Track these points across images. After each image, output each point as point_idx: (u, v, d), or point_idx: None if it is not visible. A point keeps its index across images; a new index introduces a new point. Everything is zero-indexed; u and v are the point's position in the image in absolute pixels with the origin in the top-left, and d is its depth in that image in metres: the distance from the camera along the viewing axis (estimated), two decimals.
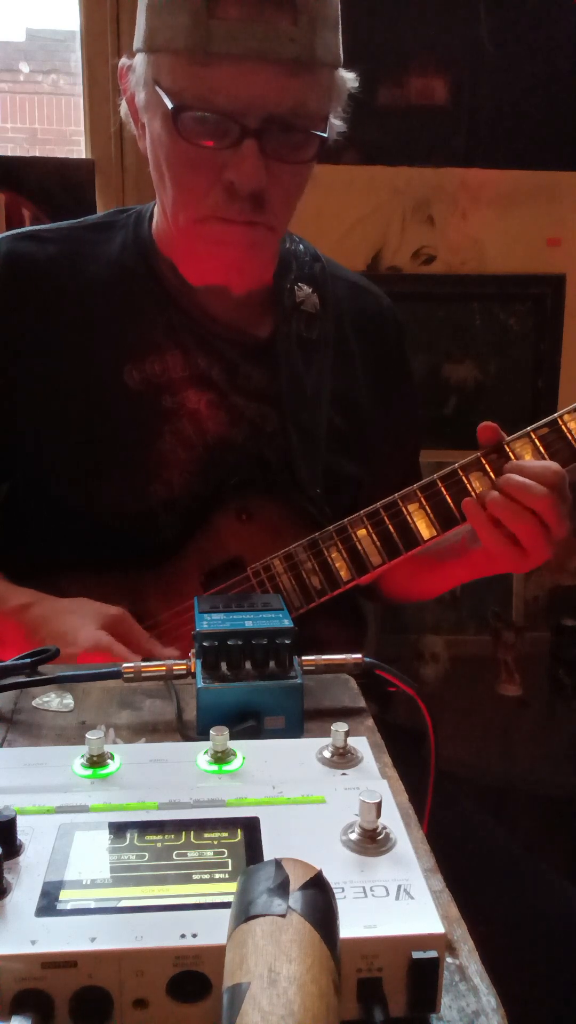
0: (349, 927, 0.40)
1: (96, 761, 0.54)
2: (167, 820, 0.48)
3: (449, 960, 0.45)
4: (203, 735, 0.60)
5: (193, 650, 0.68)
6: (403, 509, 0.95)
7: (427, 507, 0.94)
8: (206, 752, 0.55)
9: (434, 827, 0.60)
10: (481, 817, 1.03)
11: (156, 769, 0.54)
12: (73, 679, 0.70)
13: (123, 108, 0.99)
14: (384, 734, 0.66)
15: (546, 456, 0.93)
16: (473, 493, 0.94)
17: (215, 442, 1.01)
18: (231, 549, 1.00)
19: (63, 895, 0.43)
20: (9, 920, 0.41)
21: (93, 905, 0.42)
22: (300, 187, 0.96)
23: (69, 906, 0.42)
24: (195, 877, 0.44)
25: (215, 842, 0.47)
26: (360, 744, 0.57)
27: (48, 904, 0.42)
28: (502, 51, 1.90)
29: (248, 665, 0.66)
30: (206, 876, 0.44)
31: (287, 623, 0.68)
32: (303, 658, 0.69)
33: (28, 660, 0.71)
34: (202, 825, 0.48)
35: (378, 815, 0.46)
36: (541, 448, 0.94)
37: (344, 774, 0.54)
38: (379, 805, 0.46)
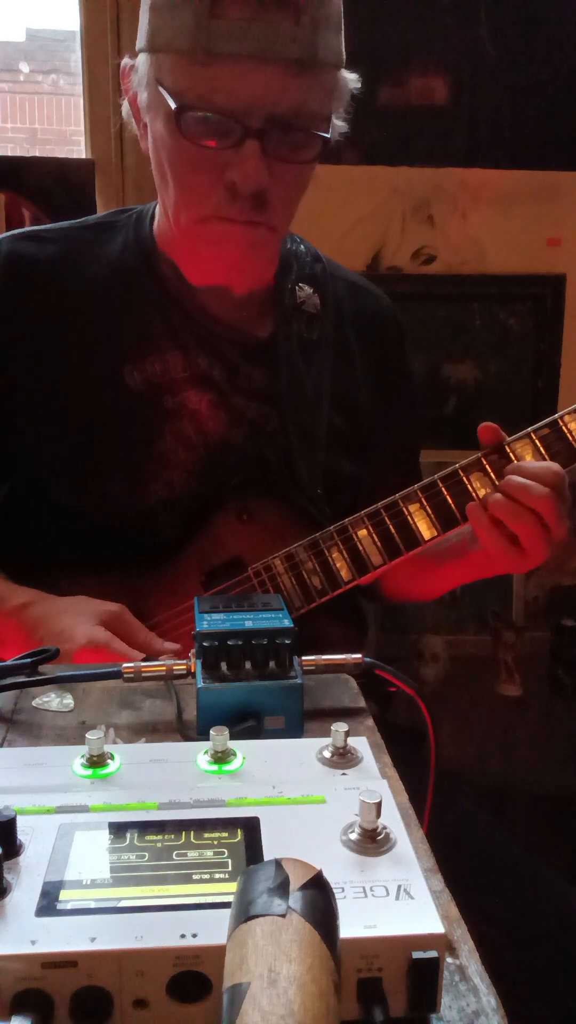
0: (349, 927, 0.40)
1: (96, 761, 0.54)
2: (167, 820, 0.48)
3: (449, 960, 0.45)
4: (203, 735, 0.60)
5: (193, 650, 0.68)
6: (404, 509, 0.95)
7: (428, 507, 0.94)
8: (206, 752, 0.55)
9: (434, 827, 0.60)
10: (481, 817, 1.04)
11: (156, 769, 0.54)
12: (73, 679, 0.70)
13: (125, 108, 0.99)
14: (384, 734, 0.66)
15: (546, 457, 0.93)
16: (474, 494, 0.94)
17: (216, 442, 1.01)
18: (231, 549, 1.00)
19: (63, 895, 0.43)
20: (9, 920, 0.41)
21: (93, 905, 0.42)
22: (302, 187, 0.96)
23: (69, 906, 0.42)
24: (195, 877, 0.44)
25: (215, 842, 0.47)
26: (360, 744, 0.57)
27: (48, 904, 0.42)
28: (502, 51, 1.90)
29: (248, 665, 0.66)
30: (206, 876, 0.44)
31: (287, 623, 0.68)
32: (303, 658, 0.69)
33: (28, 660, 0.71)
34: (202, 825, 0.48)
35: (378, 815, 0.46)
36: (541, 449, 0.94)
37: (344, 774, 0.54)
38: (379, 805, 0.46)
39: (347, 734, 0.56)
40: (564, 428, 0.93)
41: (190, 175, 0.92)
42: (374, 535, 0.95)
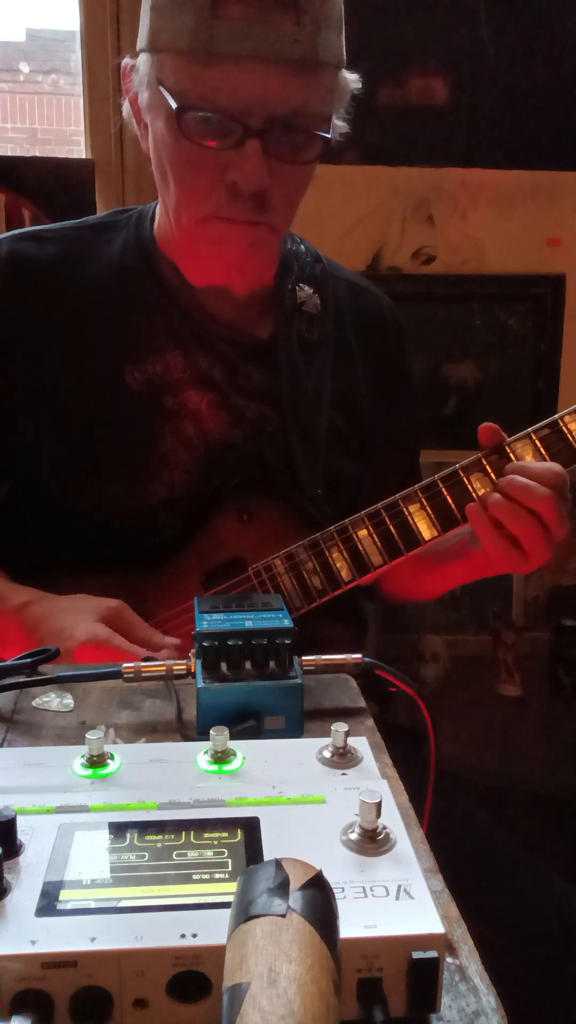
0: (349, 927, 0.40)
1: (96, 761, 0.54)
2: (167, 820, 0.48)
3: (449, 960, 0.45)
4: (203, 735, 0.60)
5: (193, 650, 0.68)
6: (404, 510, 0.95)
7: (428, 508, 0.94)
8: (206, 752, 0.55)
9: (434, 827, 0.60)
10: (481, 817, 1.04)
11: (156, 769, 0.54)
12: (73, 679, 0.70)
13: (125, 108, 0.99)
14: (384, 734, 0.66)
15: (547, 457, 0.93)
16: (474, 494, 0.94)
17: (216, 442, 1.01)
18: (231, 549, 1.00)
19: (63, 895, 0.43)
20: (9, 920, 0.41)
21: (93, 905, 0.42)
22: (302, 187, 0.96)
23: (69, 906, 0.42)
24: (195, 877, 0.44)
25: (215, 842, 0.47)
26: (360, 744, 0.57)
27: (48, 904, 0.42)
28: (502, 51, 1.90)
29: (248, 665, 0.66)
30: (206, 876, 0.44)
31: (287, 623, 0.68)
32: (303, 658, 0.69)
33: (28, 660, 0.71)
34: (202, 825, 0.48)
35: (378, 815, 0.46)
36: (542, 449, 0.94)
37: (344, 774, 0.54)
38: (379, 805, 0.46)
39: (347, 734, 0.56)
40: (564, 428, 0.93)
41: (191, 175, 0.92)
42: (374, 535, 0.95)
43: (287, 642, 0.66)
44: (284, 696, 0.65)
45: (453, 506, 0.94)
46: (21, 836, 0.46)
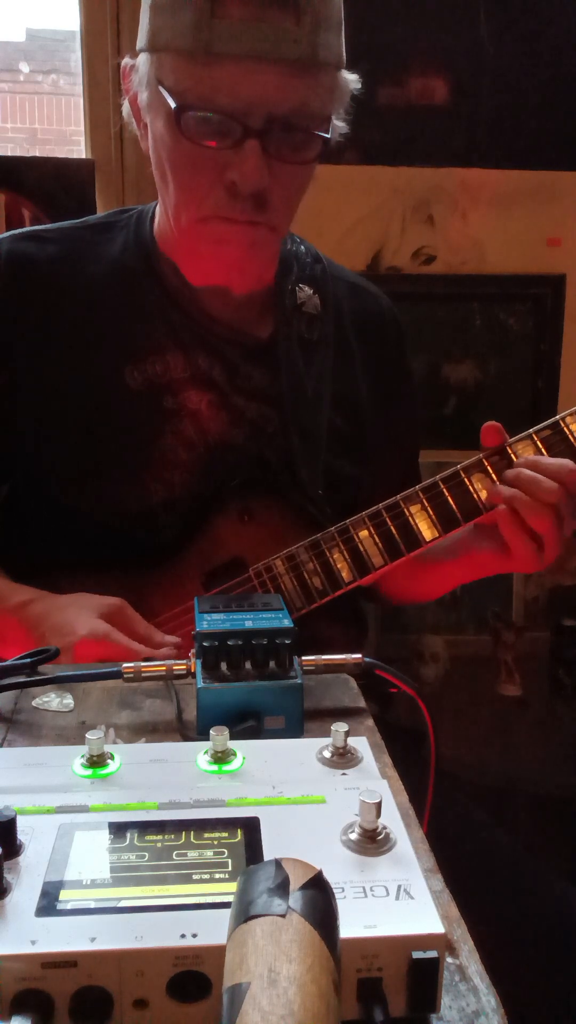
0: (349, 927, 0.40)
1: (96, 761, 0.54)
2: (167, 820, 0.48)
3: (449, 960, 0.45)
4: (203, 735, 0.60)
5: (193, 650, 0.68)
6: (405, 510, 0.95)
7: (429, 508, 0.94)
8: (206, 752, 0.55)
9: (434, 827, 0.60)
10: (481, 817, 1.04)
11: (156, 769, 0.54)
12: (73, 679, 0.70)
13: (125, 108, 0.99)
14: (384, 734, 0.66)
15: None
16: (476, 495, 0.94)
17: (216, 443, 1.01)
18: (232, 550, 1.00)
19: (63, 895, 0.43)
20: (9, 920, 0.41)
21: (93, 905, 0.42)
22: (302, 187, 0.96)
23: (69, 906, 0.42)
24: (195, 877, 0.44)
25: (215, 842, 0.47)
26: (360, 744, 0.57)
27: (48, 904, 0.42)
28: (502, 51, 1.90)
29: (248, 665, 0.66)
30: (206, 876, 0.44)
31: (287, 623, 0.68)
32: (303, 658, 0.69)
33: (28, 660, 0.71)
34: (202, 825, 0.48)
35: (378, 815, 0.46)
36: (543, 450, 0.94)
37: (344, 774, 0.54)
38: (379, 805, 0.46)
39: (347, 734, 0.56)
40: (566, 429, 0.93)
41: (190, 175, 0.92)
42: (375, 536, 0.95)
43: (287, 642, 0.66)
44: (284, 696, 0.65)
45: (454, 507, 0.94)
46: (21, 836, 0.46)
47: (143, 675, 0.69)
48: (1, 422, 1.03)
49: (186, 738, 0.66)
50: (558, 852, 1.55)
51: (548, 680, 2.06)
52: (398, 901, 0.42)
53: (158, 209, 1.05)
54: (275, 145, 0.88)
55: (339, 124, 0.96)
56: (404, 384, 1.19)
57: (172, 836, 0.47)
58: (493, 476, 0.93)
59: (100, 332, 1.02)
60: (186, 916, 0.41)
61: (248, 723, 0.64)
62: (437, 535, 0.95)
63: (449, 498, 0.94)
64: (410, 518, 0.95)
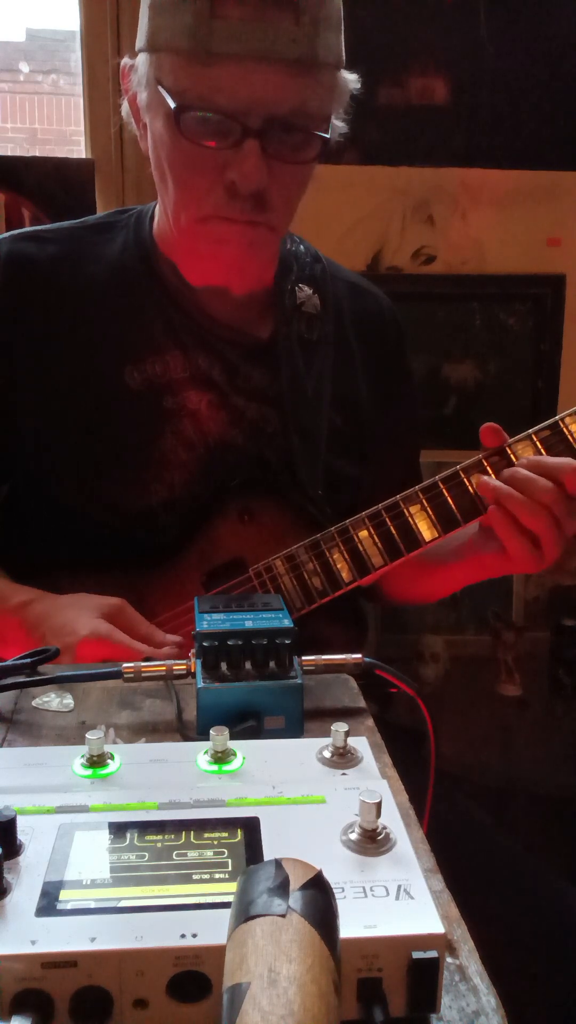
0: (349, 927, 0.40)
1: (96, 761, 0.54)
2: (167, 820, 0.48)
3: (449, 960, 0.45)
4: (203, 735, 0.60)
5: (193, 650, 0.68)
6: (405, 511, 0.95)
7: (429, 509, 0.94)
8: (206, 752, 0.55)
9: (434, 827, 0.60)
10: (481, 817, 1.04)
11: (156, 769, 0.54)
12: (73, 679, 0.70)
13: (124, 108, 0.99)
14: (384, 734, 0.66)
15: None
16: (475, 495, 0.94)
17: (216, 443, 1.01)
18: (232, 550, 1.00)
19: (63, 895, 0.43)
20: (9, 920, 0.41)
21: (93, 905, 0.42)
22: (301, 187, 0.96)
23: (69, 906, 0.42)
24: (195, 877, 0.44)
25: (215, 842, 0.47)
26: (360, 744, 0.57)
27: (48, 904, 0.42)
28: (502, 51, 1.90)
29: (248, 665, 0.66)
30: (206, 876, 0.44)
31: (287, 623, 0.68)
32: (303, 658, 0.69)
33: (28, 660, 0.71)
34: (202, 825, 0.48)
35: (378, 815, 0.46)
36: (542, 450, 0.94)
37: (344, 774, 0.54)
38: (379, 805, 0.46)
39: (347, 734, 0.56)
40: (565, 430, 0.93)
41: (190, 175, 0.92)
42: (375, 536, 0.95)
43: (287, 642, 0.66)
44: (284, 696, 0.65)
45: (454, 507, 0.94)
46: (21, 836, 0.46)
47: (143, 675, 0.69)
48: (1, 422, 1.03)
49: (186, 738, 0.66)
50: (558, 852, 1.55)
51: (548, 680, 2.06)
52: (398, 901, 0.42)
53: (157, 209, 1.05)
54: (274, 145, 0.88)
55: (339, 124, 0.96)
56: (404, 384, 1.19)
57: (172, 836, 0.47)
58: (492, 476, 0.93)
59: (100, 332, 1.02)
60: (186, 916, 0.41)
61: (248, 723, 0.64)
62: (437, 535, 0.95)
63: (449, 498, 0.94)
64: (410, 518, 0.95)
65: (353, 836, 0.46)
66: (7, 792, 0.51)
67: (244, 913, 0.36)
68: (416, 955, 0.40)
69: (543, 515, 0.88)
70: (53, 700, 0.72)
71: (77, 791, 0.51)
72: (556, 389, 2.03)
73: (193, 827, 0.48)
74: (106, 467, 1.00)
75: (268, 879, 0.37)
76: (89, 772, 0.54)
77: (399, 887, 0.43)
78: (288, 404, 1.03)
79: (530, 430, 0.94)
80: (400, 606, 1.55)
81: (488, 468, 0.94)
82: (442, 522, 0.94)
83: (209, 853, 0.46)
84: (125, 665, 0.68)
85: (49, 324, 1.01)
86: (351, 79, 0.94)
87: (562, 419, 0.94)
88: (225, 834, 0.47)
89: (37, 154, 2.21)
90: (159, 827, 0.48)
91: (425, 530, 0.95)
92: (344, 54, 0.92)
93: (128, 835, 0.47)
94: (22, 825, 0.46)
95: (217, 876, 0.44)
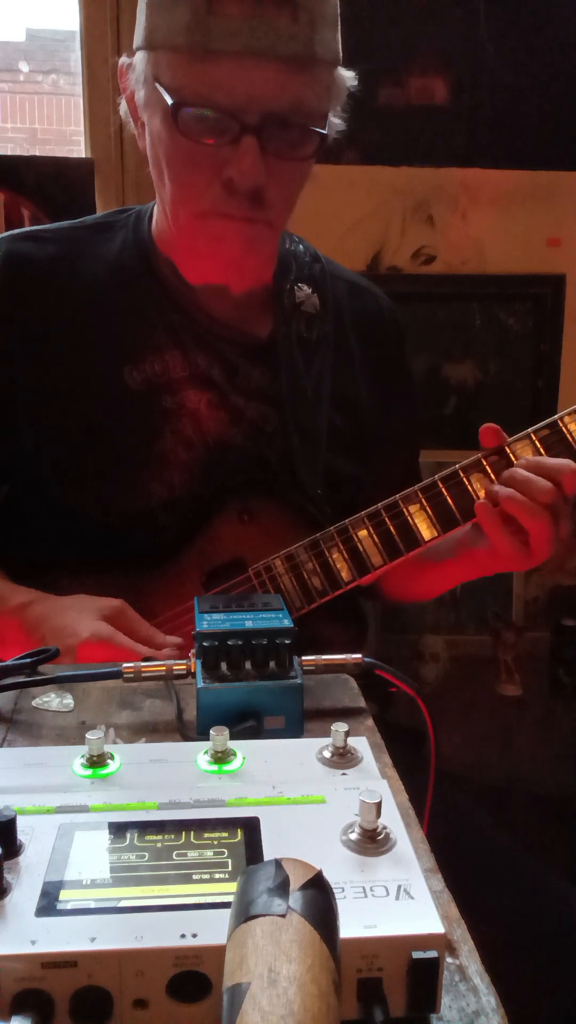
0: (349, 927, 0.40)
1: (96, 761, 0.54)
2: (167, 820, 0.48)
3: (449, 960, 0.45)
4: (203, 735, 0.60)
5: (193, 650, 0.68)
6: (404, 510, 0.95)
7: (428, 508, 0.94)
8: (206, 752, 0.55)
9: (434, 827, 0.60)
10: (481, 817, 1.03)
11: (156, 769, 0.54)
12: (73, 679, 0.70)
13: (122, 107, 0.99)
14: (384, 734, 0.66)
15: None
16: (474, 495, 0.94)
17: (215, 442, 1.01)
18: (232, 549, 1.00)
19: (63, 895, 0.43)
20: (9, 920, 0.41)
21: (93, 905, 0.42)
22: (299, 184, 0.96)
23: (69, 906, 0.42)
24: (195, 877, 0.44)
25: (215, 842, 0.47)
26: (360, 744, 0.57)
27: (48, 904, 0.42)
28: (502, 51, 1.89)
29: (248, 665, 0.66)
30: (206, 876, 0.44)
31: (287, 623, 0.68)
32: (303, 658, 0.69)
33: (28, 660, 0.71)
34: (202, 825, 0.48)
35: (378, 815, 0.46)
36: (541, 450, 0.94)
37: (344, 774, 0.54)
38: (379, 805, 0.46)
39: (347, 734, 0.56)
40: (564, 429, 0.93)
41: (188, 172, 0.92)
42: (374, 535, 0.95)
43: (287, 642, 0.66)
44: (284, 696, 0.65)
45: (453, 507, 0.94)
46: (21, 836, 0.46)
47: (143, 675, 0.69)
48: (1, 422, 1.02)
49: (186, 738, 0.66)
50: (558, 852, 1.55)
51: (548, 680, 2.06)
52: (398, 901, 0.42)
53: (156, 209, 1.05)
54: (272, 142, 0.88)
55: (336, 121, 0.96)
56: (404, 384, 1.19)
57: (172, 836, 0.47)
58: (492, 476, 0.93)
59: (99, 332, 1.02)
60: (186, 916, 0.41)
61: (248, 723, 0.64)
62: (436, 535, 0.95)
63: (448, 498, 0.94)
64: (409, 518, 0.95)
65: (353, 836, 0.46)
66: (7, 792, 0.51)
67: (244, 913, 0.36)
68: (416, 955, 0.40)
69: (542, 515, 0.88)
70: (53, 700, 0.72)
71: (77, 791, 0.51)
72: (556, 389, 2.03)
73: (193, 827, 0.48)
74: (105, 467, 1.00)
75: (268, 879, 0.37)
76: (89, 772, 0.54)
77: (399, 887, 0.43)
78: (287, 403, 1.03)
79: (529, 429, 0.94)
80: (398, 604, 1.55)
81: (487, 467, 0.94)
82: (441, 521, 0.94)
83: (209, 853, 0.46)
84: (125, 665, 0.68)
85: (48, 324, 1.01)
86: (348, 76, 0.94)
87: (561, 418, 0.94)
88: (225, 834, 0.47)
89: (37, 154, 2.21)
90: (159, 827, 0.48)
91: (424, 529, 0.95)
92: (341, 51, 0.92)
93: (128, 835, 0.47)
94: (22, 825, 0.46)
95: (217, 876, 0.44)
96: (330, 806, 0.50)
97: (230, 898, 0.38)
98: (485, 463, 0.94)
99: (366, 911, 0.42)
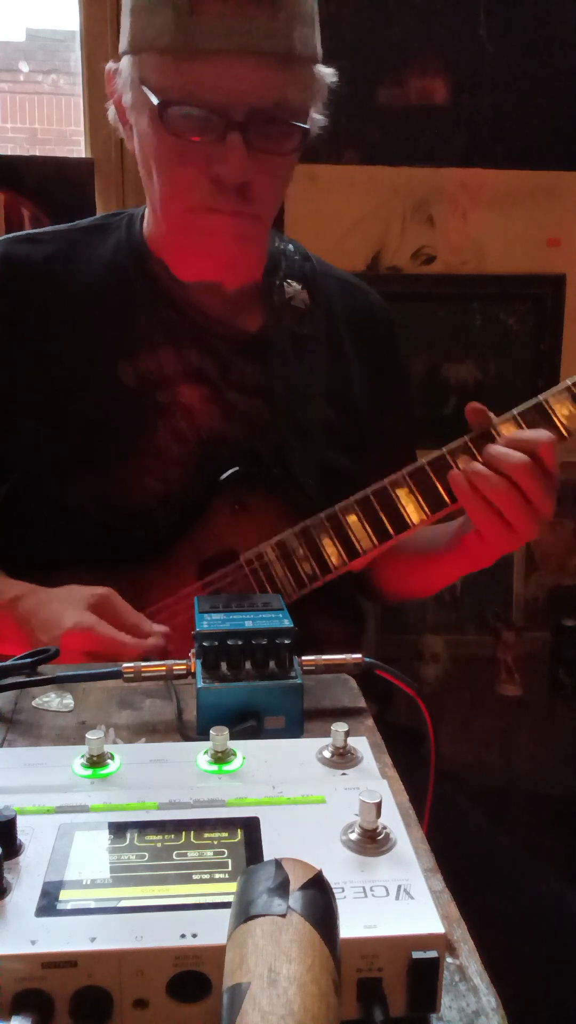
0: (349, 927, 0.40)
1: (96, 761, 0.54)
2: (167, 820, 0.48)
3: (449, 960, 0.45)
4: (203, 735, 0.60)
5: (193, 650, 0.68)
6: (392, 494, 0.96)
7: (416, 491, 0.95)
8: (206, 752, 0.55)
9: (434, 827, 0.60)
10: (481, 817, 1.04)
11: (156, 769, 0.54)
12: (73, 679, 0.70)
13: (111, 112, 1.01)
14: (384, 734, 0.66)
15: None
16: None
17: (209, 436, 1.02)
18: (226, 541, 1.01)
19: (63, 895, 0.43)
20: (9, 920, 0.41)
21: (93, 905, 0.42)
22: (285, 178, 0.98)
23: (69, 906, 0.42)
24: (195, 877, 0.44)
25: (215, 842, 0.47)
26: (360, 744, 0.57)
27: (48, 904, 0.42)
28: (502, 51, 1.89)
29: (248, 665, 0.66)
30: (206, 876, 0.44)
31: (287, 623, 0.68)
32: (303, 658, 0.69)
33: (28, 660, 0.71)
34: (202, 825, 0.48)
35: (378, 815, 0.46)
36: (525, 428, 0.94)
37: (344, 774, 0.54)
38: (379, 805, 0.46)
39: (347, 734, 0.56)
40: (548, 409, 0.94)
41: (176, 169, 0.93)
42: (363, 520, 0.96)
43: (287, 642, 0.66)
44: (284, 696, 0.65)
45: (440, 489, 0.95)
46: (21, 836, 0.46)
47: (143, 675, 0.69)
48: (1, 422, 1.03)
49: (186, 738, 0.66)
50: (558, 852, 1.55)
51: (548, 680, 2.06)
52: (398, 901, 0.42)
53: (147, 210, 1.06)
54: (257, 138, 0.90)
55: (318, 117, 0.99)
56: (398, 380, 1.20)
57: (172, 836, 0.47)
58: (478, 458, 0.94)
59: (94, 329, 1.03)
60: (186, 916, 0.41)
61: (248, 723, 0.64)
62: (425, 517, 0.96)
63: (435, 480, 0.95)
64: (397, 501, 0.95)
65: (353, 836, 0.46)
66: (7, 792, 0.51)
67: (244, 913, 0.36)
68: (416, 955, 0.40)
69: (508, 491, 0.89)
70: (53, 700, 0.72)
71: (77, 791, 0.51)
72: None
73: (193, 827, 0.48)
74: (102, 462, 1.01)
75: (268, 879, 0.37)
76: (89, 772, 0.54)
77: (399, 887, 0.43)
78: (279, 397, 1.04)
79: (514, 410, 0.95)
80: (399, 602, 1.55)
81: (473, 449, 0.94)
82: (429, 504, 0.95)
83: (209, 853, 0.46)
84: (125, 665, 0.69)
85: (45, 323, 1.03)
86: (327, 73, 0.96)
87: (545, 400, 0.95)
88: (225, 834, 0.47)
89: (37, 154, 2.21)
90: (159, 827, 0.48)
91: (412, 512, 0.95)
92: (320, 48, 0.93)
93: (128, 835, 0.47)
94: (22, 825, 0.46)
95: (217, 876, 0.44)
96: (330, 806, 0.50)
97: (230, 898, 0.38)
98: (471, 445, 0.94)
99: (366, 911, 0.42)
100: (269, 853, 0.46)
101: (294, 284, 1.10)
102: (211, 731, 0.55)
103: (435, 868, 0.52)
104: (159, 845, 0.46)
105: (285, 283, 1.09)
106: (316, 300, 1.11)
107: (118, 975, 0.40)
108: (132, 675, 0.68)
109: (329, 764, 0.55)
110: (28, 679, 0.70)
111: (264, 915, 0.35)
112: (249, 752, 0.55)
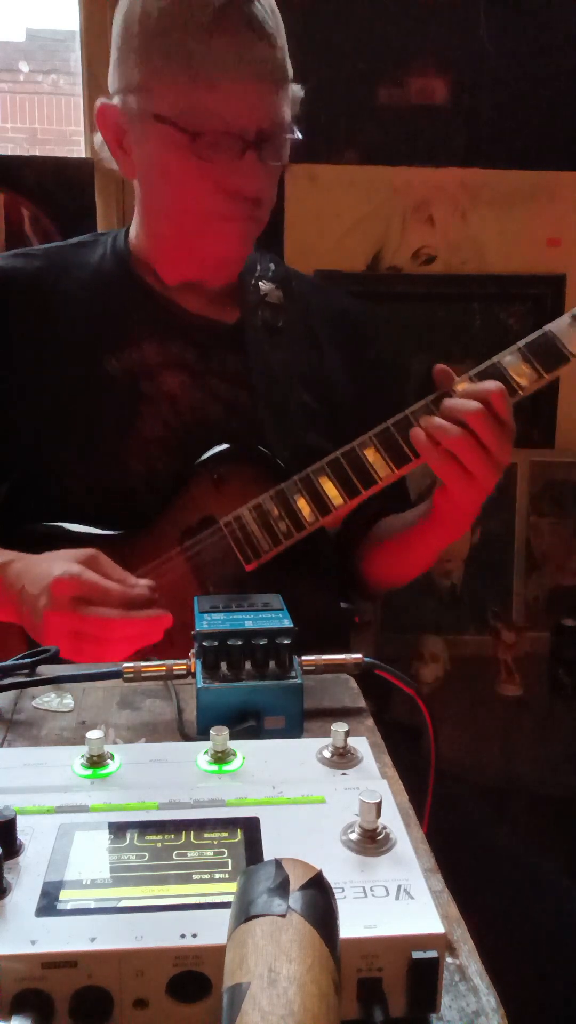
0: (349, 927, 0.40)
1: (96, 761, 0.54)
2: (167, 820, 0.48)
3: (449, 960, 0.45)
4: (203, 735, 0.60)
5: (193, 650, 0.68)
6: (360, 454, 1.03)
7: (381, 449, 1.02)
8: (206, 752, 0.55)
9: (434, 827, 0.60)
10: (481, 817, 1.04)
11: (156, 769, 0.54)
12: (73, 679, 0.71)
13: (98, 140, 1.09)
14: (384, 734, 0.66)
15: None
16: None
17: (192, 420, 1.09)
18: (205, 510, 1.06)
19: (63, 895, 0.43)
20: (9, 920, 0.41)
21: (93, 905, 0.42)
22: (278, 183, 1.11)
23: (69, 906, 0.42)
24: (195, 877, 0.44)
25: (215, 842, 0.47)
26: (360, 744, 0.57)
27: (48, 904, 0.42)
28: (502, 51, 1.89)
29: (248, 665, 0.66)
30: (206, 876, 0.44)
31: (287, 623, 0.68)
32: (303, 658, 0.69)
33: (28, 660, 0.71)
34: (202, 825, 0.48)
35: (378, 815, 0.46)
36: None
37: (344, 774, 0.54)
38: (379, 805, 0.46)
39: (347, 734, 0.56)
40: (502, 368, 1.00)
41: (193, 185, 1.02)
42: (334, 479, 1.03)
43: (287, 642, 0.67)
44: (284, 696, 0.65)
45: (404, 445, 1.01)
46: (21, 836, 0.46)
47: (143, 675, 0.69)
48: (2, 423, 1.09)
49: (186, 738, 0.66)
50: (558, 852, 1.54)
51: (548, 680, 2.06)
52: (398, 901, 0.42)
53: (133, 226, 1.16)
54: (264, 152, 1.02)
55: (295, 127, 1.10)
56: (378, 372, 1.25)
57: (172, 836, 0.47)
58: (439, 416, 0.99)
59: (83, 327, 1.11)
60: (186, 916, 0.41)
61: (248, 723, 0.64)
62: (391, 472, 1.02)
63: (399, 439, 1.01)
64: (364, 460, 1.02)
65: (353, 836, 0.46)
66: (7, 792, 0.51)
67: (244, 913, 0.36)
68: (416, 955, 0.40)
69: (464, 438, 0.95)
70: (53, 700, 0.72)
71: (77, 791, 0.51)
72: (556, 389, 2.02)
73: (193, 827, 0.48)
74: (92, 449, 1.07)
75: (268, 879, 0.37)
76: (89, 772, 0.54)
77: (399, 887, 0.43)
78: (256, 383, 1.12)
79: (470, 371, 1.02)
80: (386, 589, 1.54)
81: (433, 409, 1.00)
82: (394, 460, 1.02)
83: (209, 853, 0.46)
84: (125, 665, 0.69)
85: (40, 325, 1.10)
86: (296, 89, 1.08)
87: (499, 361, 1.01)
88: (225, 834, 0.47)
89: (37, 154, 2.21)
90: (159, 827, 0.48)
91: (380, 468, 1.03)
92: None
93: (128, 835, 0.47)
94: (22, 825, 0.46)
95: (217, 876, 0.44)
96: (330, 806, 0.50)
97: (230, 898, 0.38)
98: (431, 405, 1.01)
99: (366, 911, 0.42)
100: (269, 853, 0.46)
101: (269, 284, 1.20)
102: (211, 731, 0.55)
103: (435, 868, 0.52)
104: (159, 845, 0.46)
105: (260, 282, 1.19)
106: (290, 297, 1.20)
107: (118, 975, 0.40)
108: (132, 675, 0.68)
109: (329, 764, 0.55)
110: (28, 679, 0.70)
111: (264, 915, 0.35)
112: (249, 752, 0.55)
